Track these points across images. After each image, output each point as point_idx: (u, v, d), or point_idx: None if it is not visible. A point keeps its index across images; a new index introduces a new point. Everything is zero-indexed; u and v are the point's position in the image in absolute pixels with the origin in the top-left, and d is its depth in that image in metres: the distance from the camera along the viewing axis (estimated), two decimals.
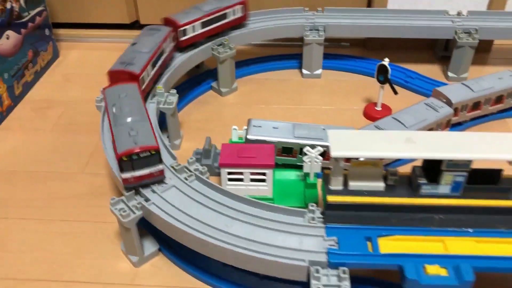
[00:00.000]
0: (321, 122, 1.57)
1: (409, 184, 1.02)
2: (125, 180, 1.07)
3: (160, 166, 1.08)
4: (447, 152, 0.93)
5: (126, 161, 1.05)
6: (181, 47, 1.58)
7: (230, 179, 1.23)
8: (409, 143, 0.96)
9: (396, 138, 0.97)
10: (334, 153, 0.93)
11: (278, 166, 1.34)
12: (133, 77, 1.30)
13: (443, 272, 0.90)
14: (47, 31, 1.88)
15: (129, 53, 1.39)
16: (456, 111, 1.45)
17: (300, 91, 1.76)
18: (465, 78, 1.76)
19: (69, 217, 1.28)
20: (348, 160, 1.21)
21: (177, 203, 1.06)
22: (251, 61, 1.88)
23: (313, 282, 0.91)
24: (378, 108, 1.59)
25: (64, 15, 2.06)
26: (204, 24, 1.58)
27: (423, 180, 0.99)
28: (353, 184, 1.01)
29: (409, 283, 0.89)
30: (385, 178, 1.02)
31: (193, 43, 1.60)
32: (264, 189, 1.24)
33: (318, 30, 1.71)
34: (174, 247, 1.14)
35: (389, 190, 1.01)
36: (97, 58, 1.98)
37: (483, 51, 1.95)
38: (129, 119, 1.13)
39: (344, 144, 0.96)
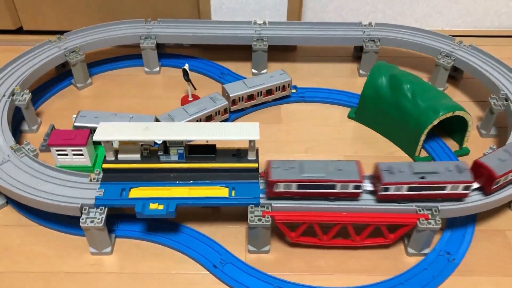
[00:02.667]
0: (151, 109, 2.16)
1: (156, 156, 1.62)
2: None
3: None
4: (163, 136, 1.53)
5: None
6: None
7: (59, 154, 1.79)
8: (146, 130, 1.55)
9: (140, 126, 1.56)
10: (94, 137, 1.51)
11: None
12: None
13: (160, 207, 1.51)
14: None
15: None
16: (235, 101, 2.05)
17: (141, 85, 2.32)
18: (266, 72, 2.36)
19: None
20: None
21: (11, 172, 1.62)
22: (108, 60, 2.41)
23: (83, 216, 1.50)
24: (190, 99, 2.17)
25: None
26: None
27: (161, 153, 1.59)
28: (120, 156, 1.60)
29: (137, 214, 1.49)
30: (141, 152, 1.62)
31: None
32: (84, 160, 1.81)
33: (151, 38, 2.26)
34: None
35: (143, 159, 1.60)
36: None
37: (292, 50, 2.55)
38: None
39: (104, 131, 1.54)
